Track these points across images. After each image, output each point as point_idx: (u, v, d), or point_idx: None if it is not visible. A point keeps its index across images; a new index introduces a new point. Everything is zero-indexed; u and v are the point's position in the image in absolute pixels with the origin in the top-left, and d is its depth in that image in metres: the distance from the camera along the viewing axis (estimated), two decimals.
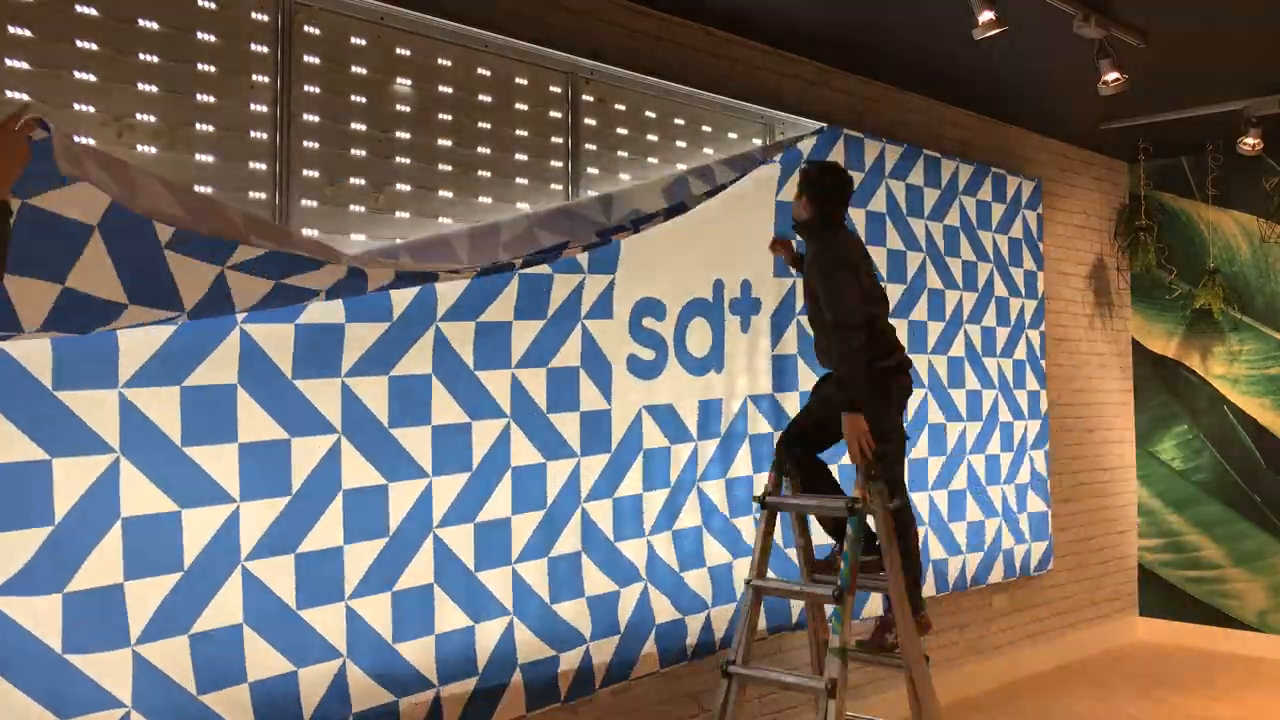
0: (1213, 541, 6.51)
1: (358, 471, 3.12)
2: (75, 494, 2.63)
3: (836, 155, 4.74)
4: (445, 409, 3.32)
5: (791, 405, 4.48)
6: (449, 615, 3.32)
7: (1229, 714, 5.17)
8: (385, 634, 3.16)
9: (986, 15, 3.97)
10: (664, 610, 3.94)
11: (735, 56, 4.49)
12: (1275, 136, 5.90)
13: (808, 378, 4.56)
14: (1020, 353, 5.78)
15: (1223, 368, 6.52)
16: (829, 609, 3.42)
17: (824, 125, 4.02)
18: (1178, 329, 6.73)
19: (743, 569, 4.18)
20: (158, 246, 2.44)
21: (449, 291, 3.31)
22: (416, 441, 3.25)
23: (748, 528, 4.24)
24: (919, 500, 5.06)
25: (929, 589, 5.09)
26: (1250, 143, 5.68)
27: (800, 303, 4.59)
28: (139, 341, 2.71)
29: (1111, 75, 4.57)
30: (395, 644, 3.18)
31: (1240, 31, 4.56)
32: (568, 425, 3.65)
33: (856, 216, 4.83)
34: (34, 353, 2.56)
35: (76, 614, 2.62)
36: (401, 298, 3.20)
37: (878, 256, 4.93)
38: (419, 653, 3.24)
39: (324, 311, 3.04)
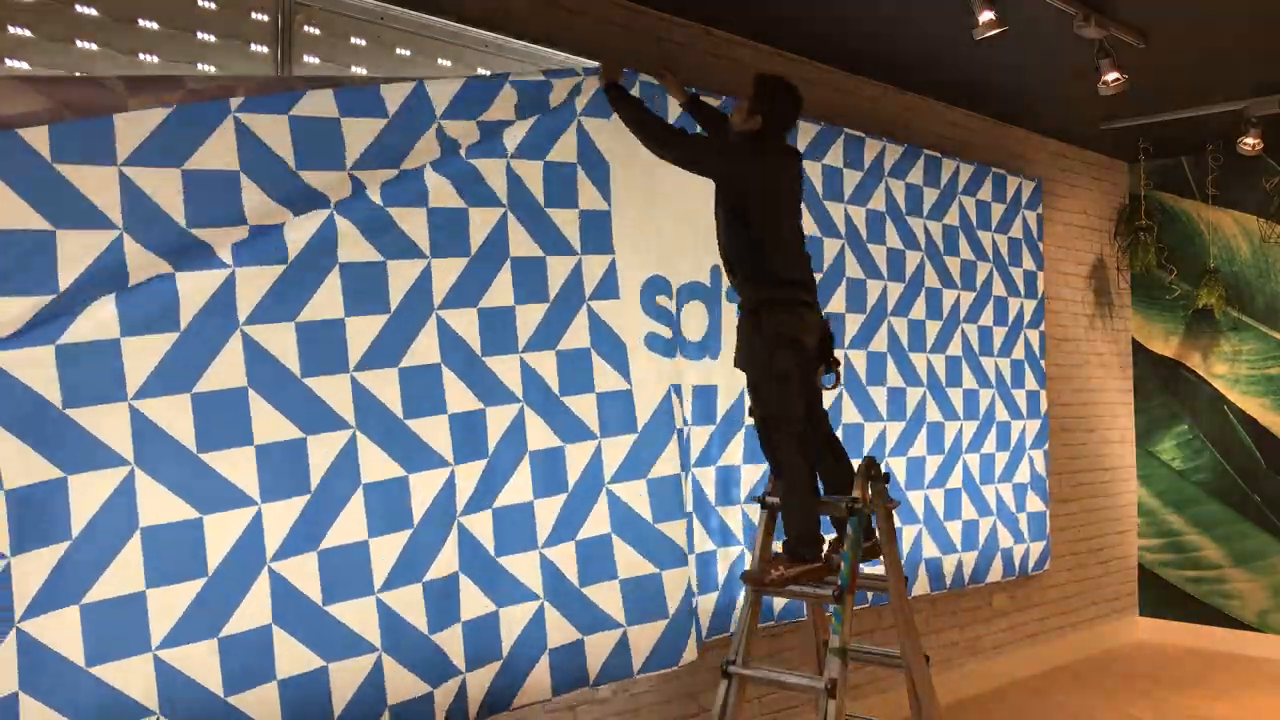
0: (1213, 541, 6.51)
1: (377, 465, 3.13)
2: (92, 508, 2.64)
3: (835, 155, 4.76)
4: (458, 397, 3.33)
5: None
6: (474, 601, 3.33)
7: (1229, 714, 5.17)
8: (420, 625, 3.17)
9: (986, 15, 3.97)
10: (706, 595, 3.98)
11: (735, 56, 4.50)
12: (1275, 136, 5.90)
13: None
14: (1019, 352, 5.79)
15: (1223, 368, 6.52)
16: (829, 608, 3.41)
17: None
18: (1178, 329, 6.73)
19: (726, 559, 4.20)
20: (42, 160, 2.44)
21: (443, 279, 3.32)
22: (434, 431, 3.26)
23: (734, 518, 4.25)
24: (915, 499, 5.07)
25: (923, 587, 5.09)
26: (1250, 143, 5.69)
27: None
28: (141, 353, 2.72)
29: (1111, 75, 4.57)
30: (431, 634, 3.20)
31: (1240, 31, 4.56)
32: (584, 407, 3.65)
33: (856, 216, 4.83)
34: (40, 375, 2.57)
35: (96, 624, 2.63)
36: (397, 288, 3.20)
37: (877, 255, 4.94)
38: (449, 641, 3.25)
39: (323, 308, 3.04)
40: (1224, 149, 6.36)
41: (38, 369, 2.56)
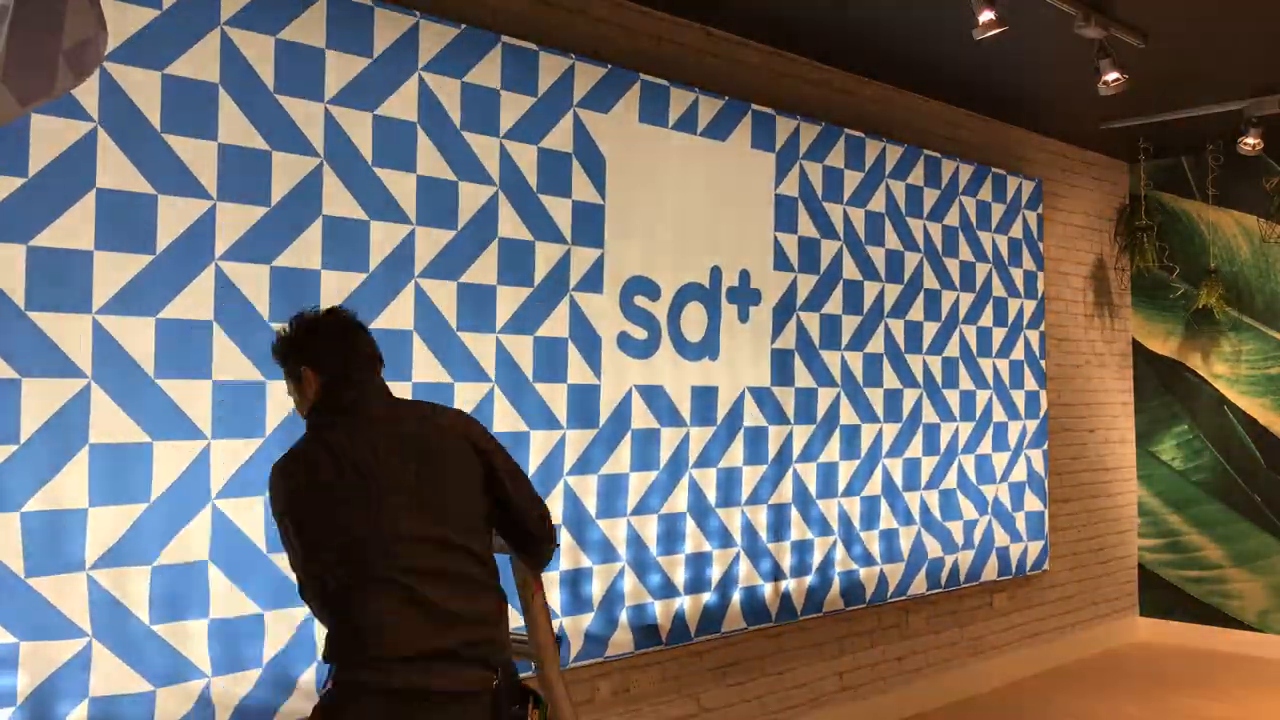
0: (1213, 541, 6.51)
1: None
2: (44, 415, 2.67)
3: (836, 156, 4.76)
4: (426, 366, 3.36)
5: (788, 400, 4.49)
6: None
7: (1229, 714, 5.17)
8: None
9: (986, 15, 3.97)
10: (635, 592, 3.94)
11: (736, 57, 4.50)
12: (1275, 136, 5.89)
13: (803, 375, 4.57)
14: (1018, 353, 5.79)
15: (1223, 368, 6.52)
16: None
17: None
18: (1178, 329, 6.73)
19: (723, 560, 4.21)
20: None
21: (426, 248, 3.38)
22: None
23: (734, 519, 4.26)
24: (910, 500, 5.07)
25: (920, 586, 5.09)
26: (1250, 143, 5.68)
27: (802, 298, 4.59)
28: (112, 269, 2.77)
29: (1111, 75, 4.57)
30: None
31: (1240, 31, 4.56)
32: (554, 396, 3.69)
33: (855, 217, 4.83)
34: (6, 272, 2.61)
35: (35, 535, 2.64)
36: (379, 250, 3.26)
37: (875, 257, 4.93)
38: None
39: (301, 257, 3.09)
40: (1224, 149, 6.35)
41: (5, 267, 2.61)
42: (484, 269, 3.52)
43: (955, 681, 5.36)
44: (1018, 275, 5.82)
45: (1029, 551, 5.79)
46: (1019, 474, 5.75)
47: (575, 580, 3.75)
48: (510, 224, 3.59)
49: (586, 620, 3.77)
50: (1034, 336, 5.93)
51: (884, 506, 4.91)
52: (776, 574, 4.42)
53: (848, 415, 4.75)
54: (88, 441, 2.72)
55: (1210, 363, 6.58)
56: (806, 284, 4.61)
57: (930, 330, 5.22)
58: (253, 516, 2.98)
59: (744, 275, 4.34)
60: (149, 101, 2.83)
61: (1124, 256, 6.72)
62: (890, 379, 4.98)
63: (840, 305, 4.74)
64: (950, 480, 5.30)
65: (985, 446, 5.52)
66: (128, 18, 2.78)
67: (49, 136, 2.68)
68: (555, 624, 3.62)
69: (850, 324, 4.79)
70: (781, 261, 4.49)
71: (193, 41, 2.92)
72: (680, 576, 4.08)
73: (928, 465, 5.16)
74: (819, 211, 4.67)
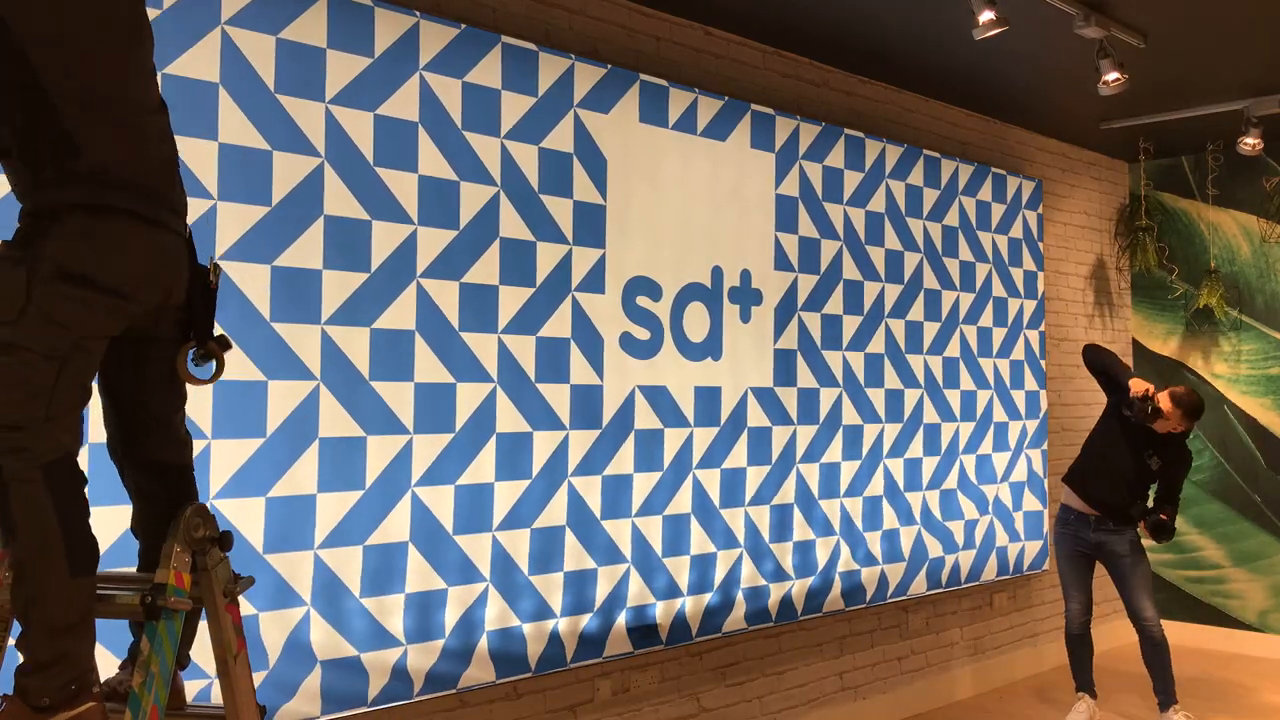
0: (1213, 541, 6.51)
1: (337, 421, 3.16)
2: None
3: (836, 156, 4.76)
4: (428, 367, 3.37)
5: (791, 401, 4.49)
6: (424, 577, 3.34)
7: (1229, 714, 5.17)
8: (354, 588, 3.18)
9: (986, 15, 3.97)
10: (638, 593, 3.93)
11: (736, 57, 4.50)
12: (1275, 136, 5.90)
13: (806, 376, 4.57)
14: (1019, 353, 5.79)
15: (1223, 368, 6.52)
16: None
17: None
18: (1178, 329, 6.73)
19: (726, 560, 4.20)
20: None
21: (428, 248, 3.38)
22: (398, 397, 3.29)
23: (737, 520, 4.26)
24: (912, 500, 5.07)
25: (920, 586, 5.09)
26: (1250, 143, 5.68)
27: (803, 298, 4.59)
28: None
29: (1111, 75, 4.57)
30: (361, 598, 3.20)
31: (1240, 31, 4.56)
32: (557, 397, 3.69)
33: (855, 217, 4.84)
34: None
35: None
36: (380, 249, 3.26)
37: (875, 257, 4.94)
38: (386, 610, 3.25)
39: (301, 256, 3.09)
40: (1224, 149, 6.36)
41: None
42: (486, 269, 3.52)
43: (955, 681, 5.37)
44: (1018, 275, 5.82)
45: (1028, 551, 5.79)
46: (1019, 474, 5.75)
47: (579, 581, 3.75)
48: (512, 224, 3.59)
49: (586, 620, 3.77)
50: (1034, 336, 5.93)
51: (886, 507, 4.91)
52: (779, 575, 4.42)
53: (850, 415, 4.75)
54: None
55: (1210, 363, 6.58)
56: (807, 284, 4.61)
57: (930, 330, 5.23)
58: (254, 518, 3.00)
59: (745, 275, 4.34)
60: None
61: (1124, 256, 6.72)
62: (891, 379, 4.98)
63: (841, 305, 4.75)
64: (951, 480, 5.30)
65: (986, 446, 5.53)
66: None
67: None
68: (553, 624, 3.64)
69: (851, 324, 4.79)
70: (782, 261, 4.49)
71: (193, 41, 2.92)
72: (685, 578, 4.08)
73: (929, 465, 5.17)
74: (819, 211, 4.67)
